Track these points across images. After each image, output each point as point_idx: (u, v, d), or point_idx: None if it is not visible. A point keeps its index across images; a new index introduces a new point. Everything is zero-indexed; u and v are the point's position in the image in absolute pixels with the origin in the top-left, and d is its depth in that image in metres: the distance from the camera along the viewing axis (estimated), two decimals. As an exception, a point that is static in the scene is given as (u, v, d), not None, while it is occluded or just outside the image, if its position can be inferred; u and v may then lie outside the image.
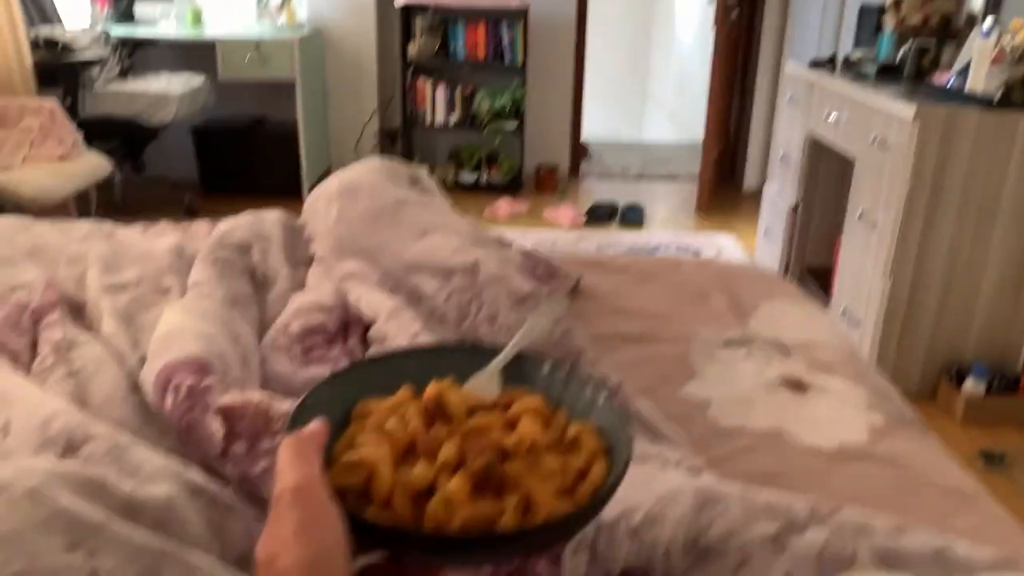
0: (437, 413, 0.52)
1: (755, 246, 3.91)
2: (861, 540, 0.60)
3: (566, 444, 0.51)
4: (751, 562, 0.60)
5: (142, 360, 1.07)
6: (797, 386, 1.17)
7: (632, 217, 4.31)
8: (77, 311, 1.25)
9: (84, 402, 0.97)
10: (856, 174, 2.67)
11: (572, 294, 1.46)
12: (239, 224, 1.48)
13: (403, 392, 0.55)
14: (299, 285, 1.38)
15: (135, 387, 1.03)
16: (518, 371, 0.58)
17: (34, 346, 1.15)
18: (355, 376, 0.56)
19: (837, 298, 2.83)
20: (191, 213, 4.07)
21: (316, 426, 0.47)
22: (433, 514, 0.45)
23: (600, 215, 4.28)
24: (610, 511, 0.67)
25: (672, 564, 0.63)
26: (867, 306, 2.57)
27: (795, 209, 3.37)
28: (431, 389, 0.53)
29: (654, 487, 0.68)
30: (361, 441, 0.50)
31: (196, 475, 0.76)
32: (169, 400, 0.89)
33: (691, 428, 1.03)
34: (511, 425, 0.51)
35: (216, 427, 0.82)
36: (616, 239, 4.07)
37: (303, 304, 1.25)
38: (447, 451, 0.48)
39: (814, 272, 3.35)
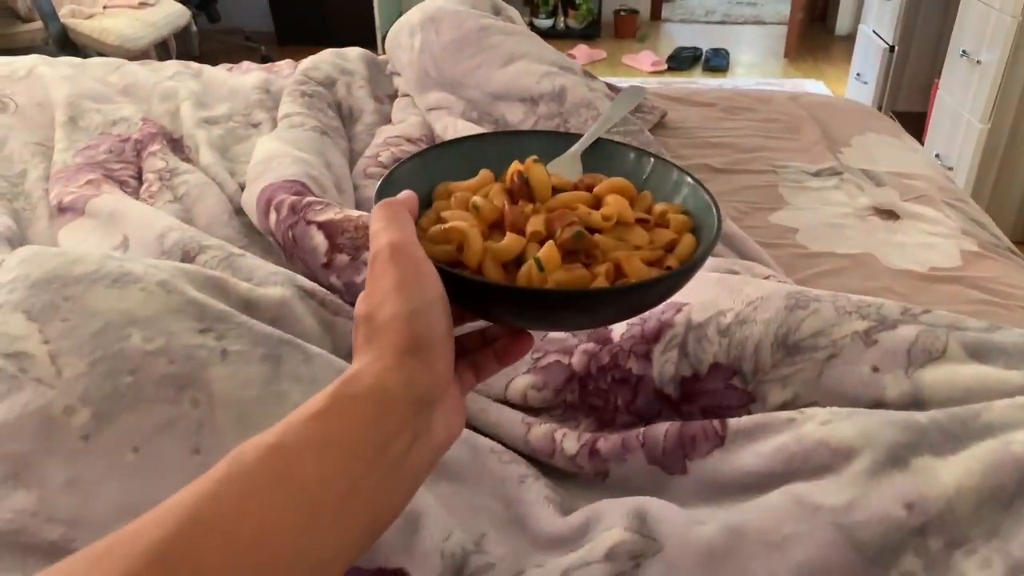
0: (521, 191, 0.51)
1: (845, 92, 3.72)
2: (953, 334, 0.60)
3: (653, 221, 0.50)
4: (840, 355, 0.62)
5: (241, 187, 1.12)
6: (889, 214, 1.14)
7: (717, 62, 4.12)
8: (174, 144, 1.30)
9: (191, 224, 1.02)
10: (962, 7, 2.47)
11: (659, 129, 1.44)
12: (322, 59, 1.49)
13: (484, 174, 0.54)
14: (385, 119, 1.39)
15: (237, 210, 1.08)
16: (599, 159, 0.56)
17: (138, 176, 1.21)
18: (437, 157, 0.55)
19: (929, 144, 2.70)
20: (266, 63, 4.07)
21: (407, 194, 0.47)
22: (526, 277, 0.45)
23: (682, 61, 4.11)
24: (701, 313, 0.69)
25: (761, 360, 0.65)
26: (961, 152, 2.45)
27: (891, 50, 3.16)
28: (515, 166, 0.52)
29: (745, 291, 0.69)
30: (448, 216, 0.50)
31: (305, 281, 0.80)
32: (273, 217, 0.94)
33: (779, 253, 1.03)
34: (597, 205, 0.51)
35: (320, 239, 0.85)
36: (699, 85, 3.92)
37: (390, 136, 1.26)
38: (536, 223, 0.48)
39: (906, 117, 3.19)
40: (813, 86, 3.92)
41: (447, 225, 0.48)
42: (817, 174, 1.26)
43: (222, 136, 1.31)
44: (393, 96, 1.45)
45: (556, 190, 0.52)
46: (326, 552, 0.34)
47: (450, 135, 1.18)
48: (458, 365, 0.47)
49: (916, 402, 0.58)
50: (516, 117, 1.18)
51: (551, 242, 0.46)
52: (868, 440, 0.52)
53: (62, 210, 1.06)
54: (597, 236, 0.48)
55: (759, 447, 0.57)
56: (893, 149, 1.38)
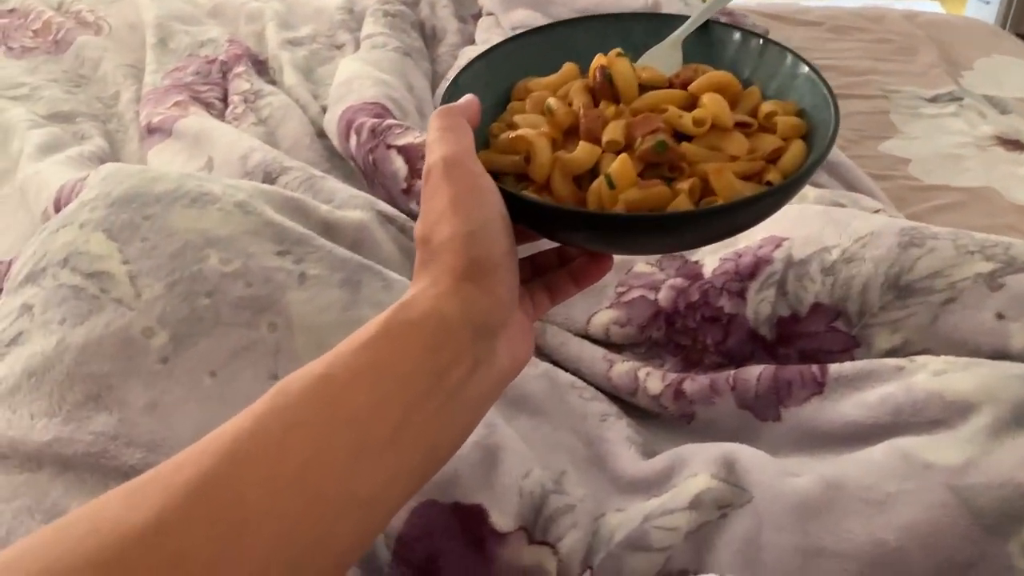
0: (604, 89, 0.45)
1: (964, 11, 3.43)
2: (1094, 281, 0.54)
3: (758, 124, 0.44)
4: (960, 299, 0.56)
5: (324, 109, 1.10)
6: (1015, 144, 1.04)
7: (821, -19, 3.86)
8: (259, 66, 1.29)
9: (274, 147, 1.02)
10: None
11: (757, 49, 1.35)
12: (407, -22, 1.44)
13: (567, 69, 0.48)
14: (468, 39, 1.34)
15: (320, 133, 1.06)
16: (704, 46, 0.49)
17: (224, 98, 1.20)
18: (514, 51, 0.49)
19: (1062, 68, 2.47)
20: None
21: (468, 99, 0.42)
22: (596, 195, 0.41)
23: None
24: (803, 249, 0.64)
25: (868, 301, 0.59)
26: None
27: (1023, -36, 2.88)
28: (597, 60, 0.46)
29: (853, 225, 0.64)
30: (519, 121, 0.45)
31: (385, 207, 0.78)
32: (353, 140, 0.92)
33: (889, 185, 0.96)
34: (691, 105, 0.45)
35: (399, 164, 0.83)
36: (805, 2, 3.69)
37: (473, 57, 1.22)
38: (613, 131, 0.42)
39: (1036, 40, 2.92)
40: (929, 6, 3.63)
41: (514, 133, 0.43)
42: (934, 100, 1.16)
43: (306, 57, 1.30)
44: (477, 15, 1.40)
45: (646, 88, 0.45)
46: (376, 488, 0.32)
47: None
48: (532, 286, 0.45)
49: (1046, 354, 0.52)
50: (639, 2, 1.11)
51: (624, 155, 0.41)
52: (990, 395, 0.47)
53: (151, 131, 1.07)
54: (686, 145, 0.42)
55: (863, 396, 0.53)
56: (1022, 72, 1.25)
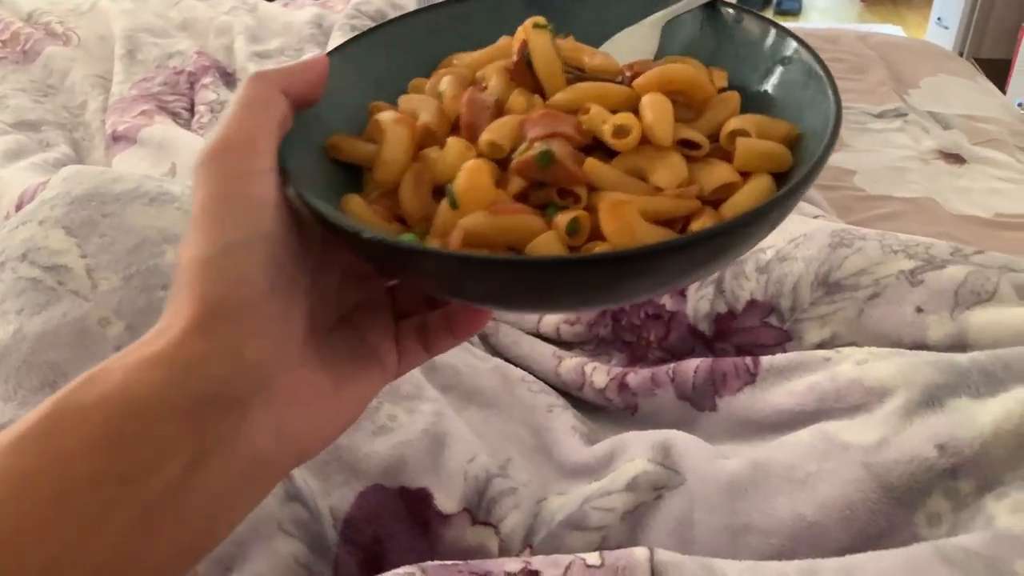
0: (520, 74, 0.34)
1: (924, 37, 3.54)
2: (1005, 276, 0.57)
3: (709, 147, 0.33)
4: (883, 294, 0.59)
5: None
6: (955, 158, 1.09)
7: (789, 5, 3.96)
8: (227, 77, 1.31)
9: (240, 155, 1.03)
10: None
11: (714, 66, 1.39)
12: (375, -7, 1.47)
13: (503, 43, 0.38)
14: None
15: (284, 142, 1.08)
16: (705, 38, 0.39)
17: (191, 108, 1.22)
18: (444, 19, 0.39)
19: (1012, 91, 2.56)
20: None
21: (304, 64, 0.31)
22: (441, 221, 0.31)
23: (753, 2, 3.96)
24: (741, 248, 0.67)
25: (799, 298, 0.63)
26: (1048, 99, 2.31)
27: (977, -9, 2.99)
28: (519, 34, 0.35)
29: (788, 228, 0.67)
30: (402, 103, 0.36)
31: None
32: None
33: (834, 195, 1.00)
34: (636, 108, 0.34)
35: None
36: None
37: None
38: (499, 129, 0.32)
39: (989, 64, 3.02)
40: (891, 31, 3.74)
41: (376, 118, 0.34)
42: (880, 115, 1.20)
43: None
44: (444, 31, 1.43)
45: (582, 77, 0.35)
46: None
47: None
48: (401, 331, 0.34)
49: (960, 345, 0.56)
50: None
51: (478, 162, 0.31)
52: (904, 379, 0.50)
53: (116, 139, 1.08)
54: (591, 163, 0.31)
55: (791, 385, 0.56)
56: (966, 91, 1.30)
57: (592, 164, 0.31)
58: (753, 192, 0.31)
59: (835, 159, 1.10)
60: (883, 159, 1.09)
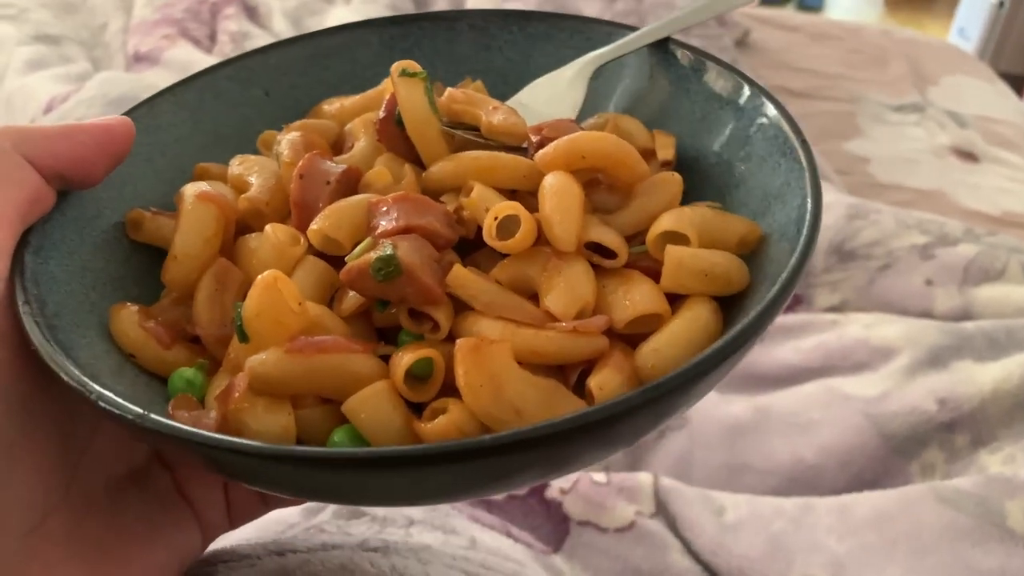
0: (388, 134, 0.27)
1: (942, 46, 3.54)
2: (1015, 256, 0.59)
3: (628, 257, 0.25)
4: (895, 265, 0.61)
5: (312, 56, 1.12)
6: (968, 156, 1.10)
7: (812, 1, 3.95)
8: (250, 11, 1.30)
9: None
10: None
11: (739, 48, 1.39)
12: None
13: (385, 86, 0.30)
14: (458, 3, 1.38)
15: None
16: (656, 90, 0.30)
17: (211, 37, 1.22)
18: (324, 45, 0.31)
19: (1026, 106, 2.57)
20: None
21: (90, 128, 0.24)
22: (234, 353, 0.23)
23: (773, -4, 3.95)
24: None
25: (813, 263, 0.64)
26: (1060, 116, 2.32)
27: (1000, 5, 2.99)
28: (389, 81, 0.27)
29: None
30: (235, 165, 0.28)
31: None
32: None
33: (847, 180, 1.01)
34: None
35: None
36: (788, 22, 3.77)
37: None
38: (337, 218, 0.24)
39: (1009, 78, 3.03)
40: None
41: (181, 191, 0.26)
42: (898, 108, 1.21)
43: (297, 8, 1.31)
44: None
45: (474, 142, 0.26)
46: None
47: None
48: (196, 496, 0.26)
49: (965, 317, 0.57)
50: (593, 10, 1.14)
51: (272, 277, 0.22)
52: (910, 340, 0.51)
53: (138, 59, 1.08)
54: (461, 274, 0.23)
55: (799, 343, 0.57)
56: (984, 94, 1.32)
57: (460, 276, 0.23)
58: (681, 333, 0.23)
59: (851, 146, 1.11)
60: (898, 150, 1.10)
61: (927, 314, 0.58)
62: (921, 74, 1.35)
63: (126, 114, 0.26)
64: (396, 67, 0.27)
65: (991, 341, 0.50)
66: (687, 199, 0.26)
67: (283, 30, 1.21)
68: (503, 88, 0.30)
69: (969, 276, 0.58)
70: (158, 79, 1.02)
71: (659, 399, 0.19)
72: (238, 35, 1.18)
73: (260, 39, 1.15)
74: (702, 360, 0.20)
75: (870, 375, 0.51)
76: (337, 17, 1.16)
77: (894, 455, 0.46)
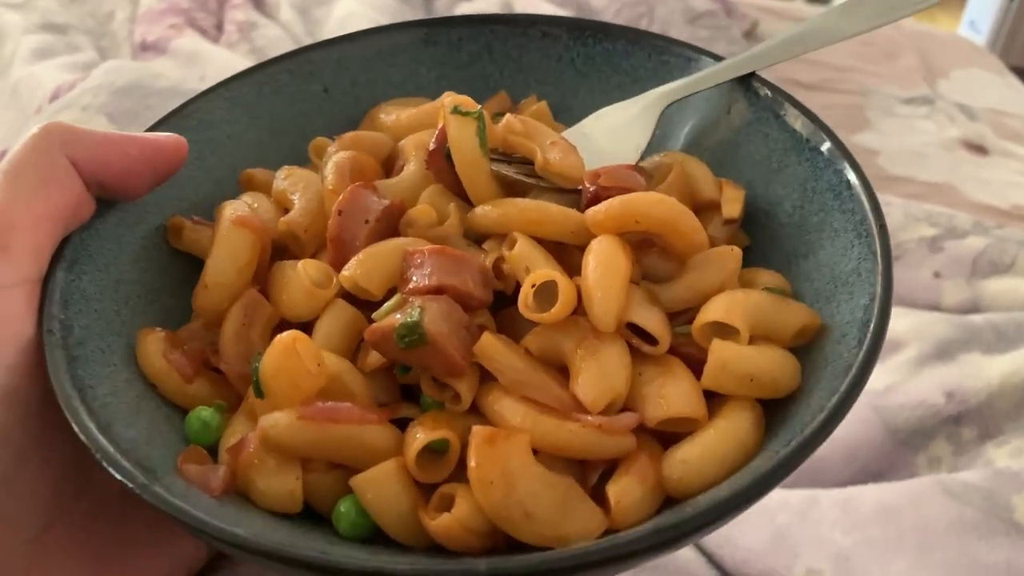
0: (439, 169, 0.25)
1: (953, 39, 3.52)
2: (1023, 249, 0.58)
3: (690, 335, 0.23)
4: (903, 258, 0.60)
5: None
6: (978, 149, 1.09)
7: (818, -6, 3.93)
8: (257, 0, 1.30)
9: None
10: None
11: (748, 39, 1.38)
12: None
13: (448, 99, 0.26)
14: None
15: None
16: (733, 130, 0.27)
17: (219, 26, 1.22)
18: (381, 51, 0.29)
19: (1037, 100, 2.55)
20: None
21: (143, 143, 0.23)
22: (251, 402, 0.23)
23: (782, -11, 3.93)
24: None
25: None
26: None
27: (1012, -3, 2.96)
28: (439, 114, 0.26)
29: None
30: (280, 179, 0.27)
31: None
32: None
33: (854, 171, 1.00)
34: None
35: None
36: (798, 14, 3.75)
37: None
38: (370, 265, 0.23)
39: (1020, 72, 3.01)
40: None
41: (218, 210, 0.26)
42: (908, 101, 1.21)
43: (315, -3, 1.31)
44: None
45: (523, 183, 0.25)
46: None
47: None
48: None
49: (973, 310, 0.57)
50: (600, 2, 1.14)
51: (291, 337, 0.21)
52: (918, 334, 0.51)
53: (145, 48, 1.08)
54: (490, 344, 0.21)
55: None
56: (995, 87, 1.31)
57: (488, 347, 0.21)
58: (715, 447, 0.20)
59: (861, 139, 1.10)
60: (907, 143, 1.09)
61: (935, 307, 0.58)
62: (931, 67, 1.34)
63: (176, 116, 0.26)
64: (449, 102, 0.25)
65: (999, 334, 0.50)
66: (748, 258, 0.25)
67: (290, 20, 1.21)
68: (571, 102, 0.29)
69: (978, 269, 0.58)
70: (164, 68, 1.02)
71: (677, 539, 0.17)
72: (245, 25, 1.18)
73: (267, 29, 1.15)
74: (731, 497, 0.18)
75: (877, 367, 0.50)
76: (344, 8, 1.15)
77: (901, 447, 0.46)
